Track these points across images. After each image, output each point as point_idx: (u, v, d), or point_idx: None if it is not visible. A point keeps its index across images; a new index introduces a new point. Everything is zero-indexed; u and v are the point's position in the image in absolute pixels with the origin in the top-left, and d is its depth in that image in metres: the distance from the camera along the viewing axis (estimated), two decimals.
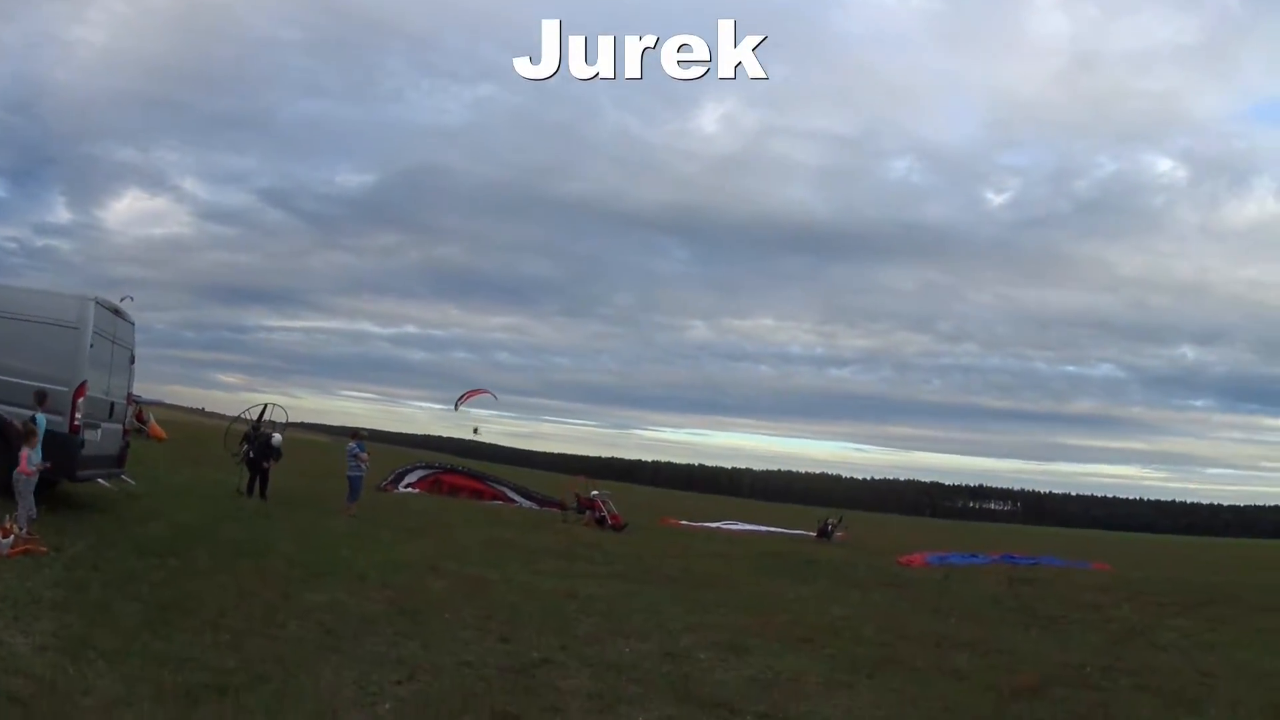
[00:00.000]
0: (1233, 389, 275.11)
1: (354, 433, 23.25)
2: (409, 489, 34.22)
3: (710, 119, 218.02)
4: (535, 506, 34.57)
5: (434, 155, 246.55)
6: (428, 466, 37.43)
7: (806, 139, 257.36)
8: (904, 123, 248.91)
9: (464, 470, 38.46)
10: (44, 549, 9.79)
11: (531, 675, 8.28)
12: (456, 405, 41.23)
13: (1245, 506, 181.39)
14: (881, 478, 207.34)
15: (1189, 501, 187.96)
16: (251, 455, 21.38)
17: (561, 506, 32.37)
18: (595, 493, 31.38)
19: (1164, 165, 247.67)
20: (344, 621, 9.29)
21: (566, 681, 8.23)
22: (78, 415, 12.51)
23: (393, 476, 34.93)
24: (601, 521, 29.18)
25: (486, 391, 42.36)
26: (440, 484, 35.71)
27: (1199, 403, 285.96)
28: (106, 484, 13.99)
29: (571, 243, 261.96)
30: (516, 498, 35.90)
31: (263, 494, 21.01)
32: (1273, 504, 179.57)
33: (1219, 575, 31.57)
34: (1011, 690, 9.62)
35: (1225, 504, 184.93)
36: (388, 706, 6.68)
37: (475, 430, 43.23)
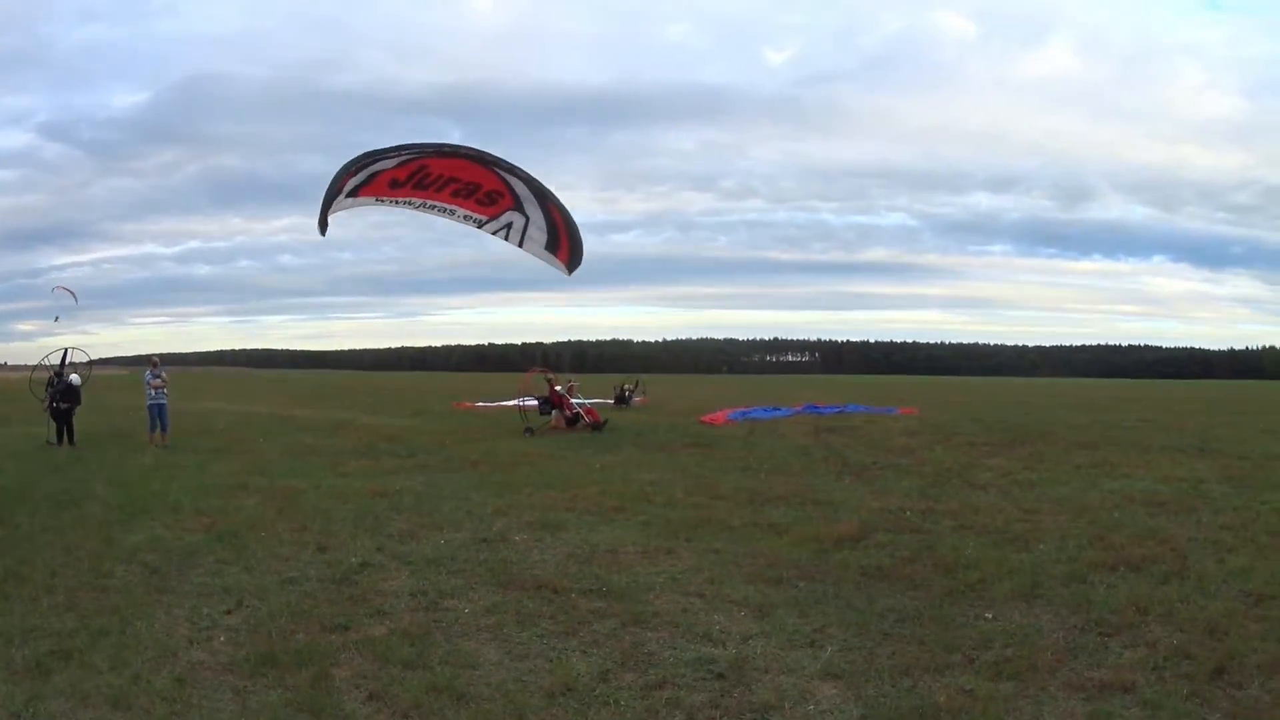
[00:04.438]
0: (1031, 233, 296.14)
1: (150, 361, 24.28)
2: None
3: None
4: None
5: (208, 63, 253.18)
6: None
7: (582, 7, 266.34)
8: None
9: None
10: None
11: (354, 582, 8.78)
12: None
13: (1051, 347, 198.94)
14: (674, 338, 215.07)
15: (992, 344, 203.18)
16: (54, 404, 21.97)
17: (520, 407, 28.87)
18: (560, 387, 28.55)
19: (954, 22, 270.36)
20: (167, 558, 9.65)
21: (388, 583, 8.75)
22: None
23: None
24: (574, 421, 26.82)
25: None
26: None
27: (996, 248, 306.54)
28: None
29: (348, 135, 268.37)
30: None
31: (70, 440, 21.58)
32: (1080, 344, 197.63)
33: (1030, 415, 34.61)
34: (833, 540, 10.39)
35: (1030, 345, 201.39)
36: (223, 639, 6.99)
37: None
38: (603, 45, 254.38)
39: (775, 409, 34.92)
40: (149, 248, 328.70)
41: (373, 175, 21.37)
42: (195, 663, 6.44)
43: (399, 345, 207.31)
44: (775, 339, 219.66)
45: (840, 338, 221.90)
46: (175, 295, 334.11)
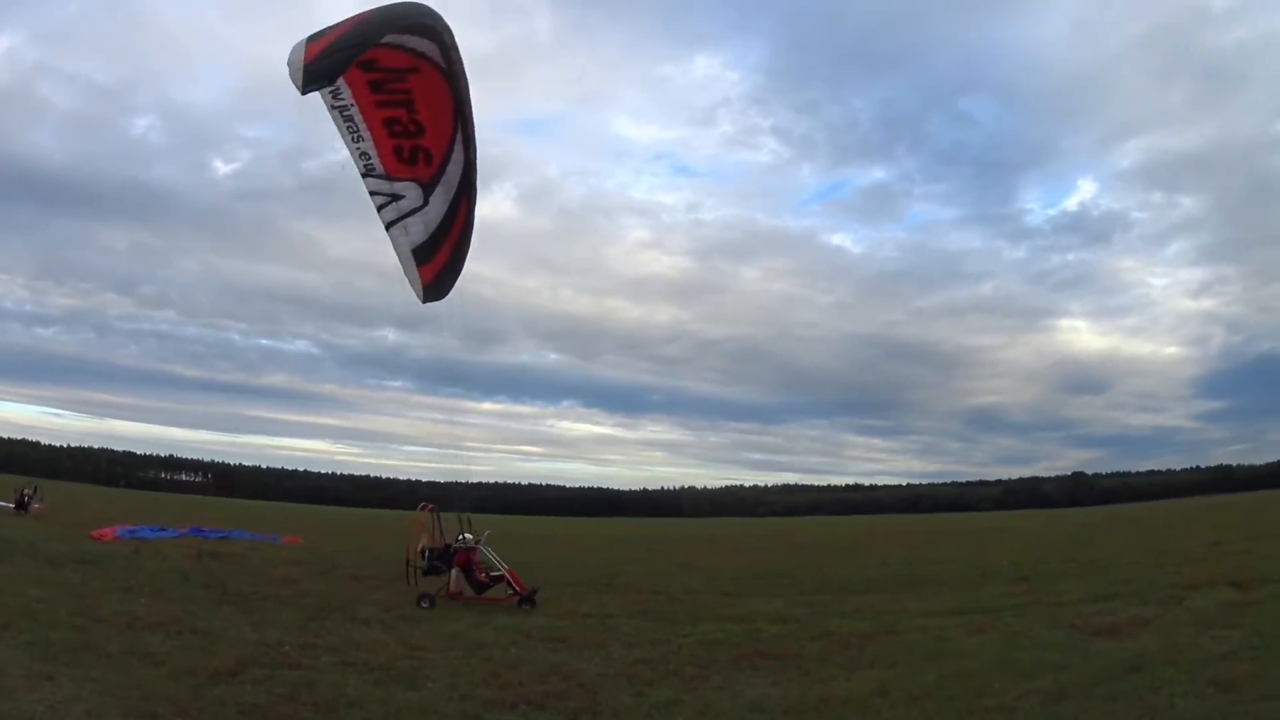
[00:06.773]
0: (435, 372, 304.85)
1: None
2: None
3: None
4: None
5: None
6: None
7: (69, 83, 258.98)
8: (162, 79, 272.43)
9: None
10: None
11: None
12: None
13: (448, 483, 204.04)
14: (78, 445, 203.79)
15: (385, 476, 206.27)
16: None
17: (407, 563, 21.15)
18: (467, 536, 20.77)
19: None
20: None
21: None
22: None
23: None
24: (482, 587, 19.91)
25: None
26: None
27: (396, 383, 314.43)
28: None
29: None
30: None
31: None
32: (475, 480, 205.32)
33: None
34: (209, 673, 10.58)
35: (425, 480, 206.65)
36: None
37: None
38: (72, 125, 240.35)
39: (162, 529, 34.60)
40: None
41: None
42: None
43: None
44: (171, 456, 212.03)
45: (235, 460, 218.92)
46: None
